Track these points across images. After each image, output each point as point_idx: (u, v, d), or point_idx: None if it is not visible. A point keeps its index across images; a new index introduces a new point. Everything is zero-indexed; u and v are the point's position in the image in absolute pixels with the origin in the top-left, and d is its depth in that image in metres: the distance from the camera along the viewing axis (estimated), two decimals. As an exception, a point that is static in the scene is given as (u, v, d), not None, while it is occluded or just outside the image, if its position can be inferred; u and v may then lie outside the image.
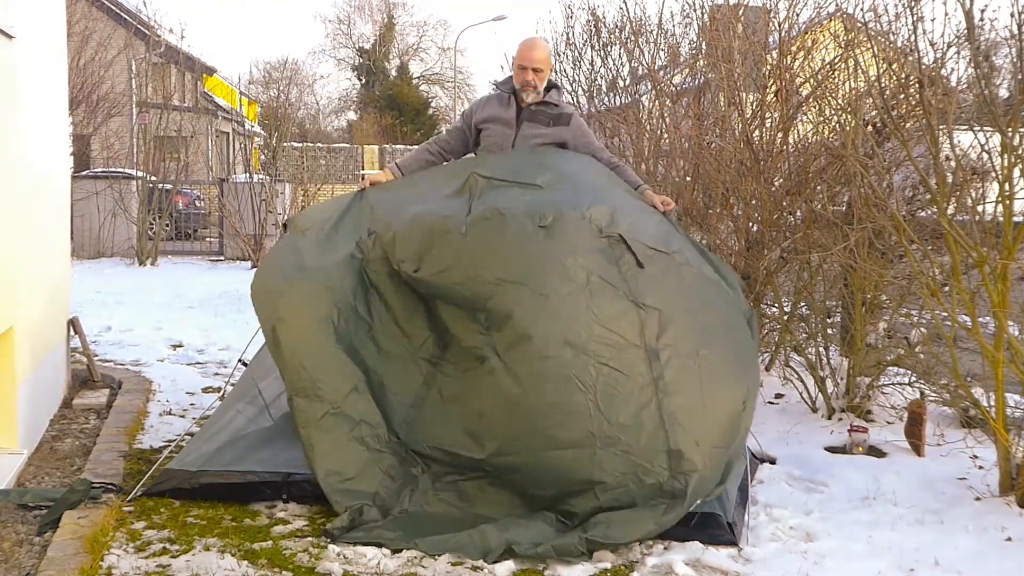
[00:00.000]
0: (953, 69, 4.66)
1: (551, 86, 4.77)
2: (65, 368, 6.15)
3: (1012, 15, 3.95)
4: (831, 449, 5.01)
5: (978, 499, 4.24)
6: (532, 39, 4.79)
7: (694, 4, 7.37)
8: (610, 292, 3.95)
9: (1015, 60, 4.03)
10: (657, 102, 7.29)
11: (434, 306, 4.11)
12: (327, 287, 4.11)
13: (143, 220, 15.27)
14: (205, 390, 6.33)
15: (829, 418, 5.49)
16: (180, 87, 24.70)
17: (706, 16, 7.21)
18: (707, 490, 3.77)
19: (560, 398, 3.78)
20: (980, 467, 4.63)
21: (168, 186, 16.30)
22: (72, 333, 6.31)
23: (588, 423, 3.74)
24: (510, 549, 3.60)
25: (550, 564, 3.56)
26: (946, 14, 4.31)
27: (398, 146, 37.78)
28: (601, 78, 8.33)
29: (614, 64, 8.20)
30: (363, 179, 4.69)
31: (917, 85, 4.62)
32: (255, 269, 14.26)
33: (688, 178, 6.64)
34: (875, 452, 4.96)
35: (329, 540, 3.71)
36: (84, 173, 17.43)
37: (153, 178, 15.99)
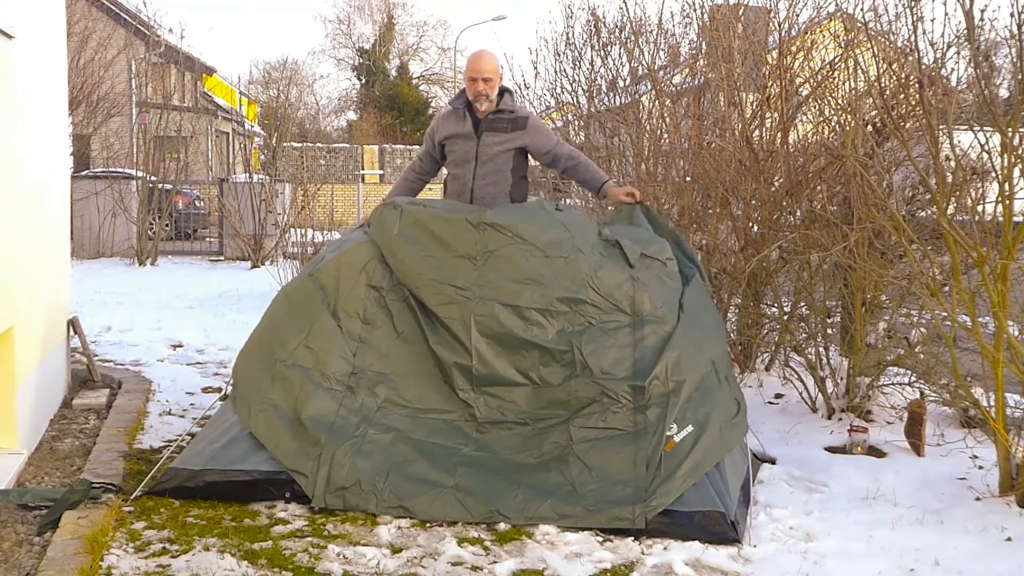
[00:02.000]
0: (953, 69, 4.67)
1: (503, 91, 5.01)
2: (65, 368, 6.15)
3: (1012, 15, 3.95)
4: (831, 449, 5.01)
5: (978, 499, 4.24)
6: (479, 51, 5.03)
7: (694, 4, 7.37)
8: (612, 266, 4.48)
9: (1015, 60, 4.02)
10: (657, 102, 7.28)
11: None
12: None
13: (143, 220, 15.27)
14: (205, 390, 6.33)
15: (829, 418, 5.49)
16: (180, 87, 24.71)
17: (706, 16, 7.21)
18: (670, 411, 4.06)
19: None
20: (980, 467, 4.63)
21: (168, 186, 16.31)
22: (72, 333, 6.31)
23: (568, 366, 4.24)
24: (495, 515, 3.90)
25: (550, 564, 3.57)
26: (946, 14, 4.31)
27: (398, 146, 37.79)
28: (601, 78, 8.32)
29: (614, 64, 8.20)
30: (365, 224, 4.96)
31: (917, 85, 4.62)
32: (255, 269, 14.30)
33: (688, 178, 6.64)
34: (875, 452, 4.96)
35: (289, 497, 4.03)
36: (84, 173, 17.44)
37: (153, 178, 15.99)
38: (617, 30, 7.97)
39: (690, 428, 4.02)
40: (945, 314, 4.51)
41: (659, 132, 7.24)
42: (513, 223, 4.55)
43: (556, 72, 8.75)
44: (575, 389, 4.19)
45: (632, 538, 3.80)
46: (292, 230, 14.06)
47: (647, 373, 4.17)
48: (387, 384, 4.28)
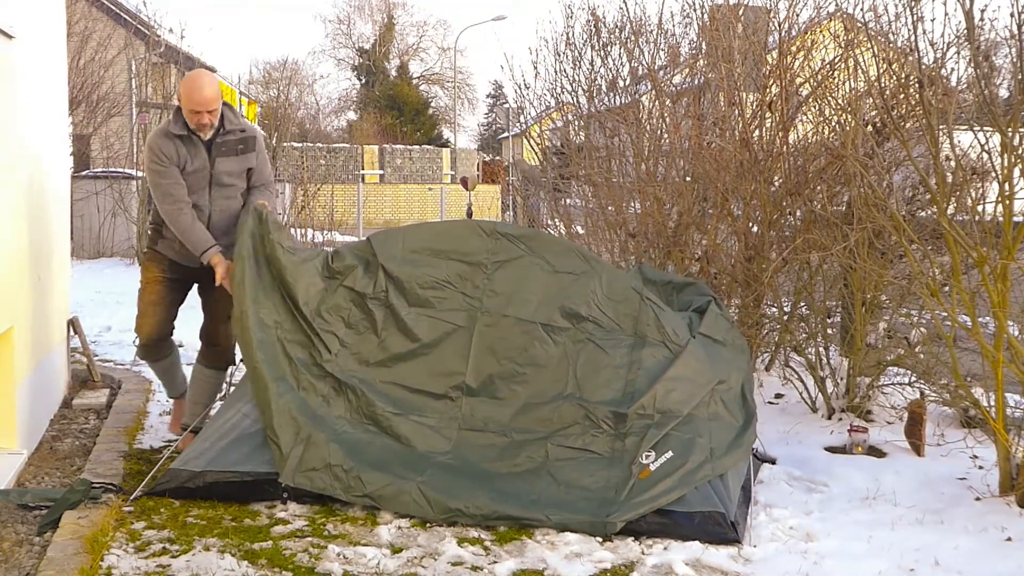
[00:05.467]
0: (953, 69, 4.67)
1: (224, 106, 4.69)
2: (65, 368, 6.15)
3: (1012, 15, 3.95)
4: (831, 449, 5.01)
5: (978, 499, 4.24)
6: (195, 80, 4.59)
7: (694, 4, 7.36)
8: (622, 286, 4.51)
9: (1015, 60, 4.02)
10: (657, 102, 7.28)
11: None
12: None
13: (143, 220, 15.23)
14: (205, 390, 6.31)
15: (829, 418, 5.49)
16: (180, 87, 24.68)
17: (706, 16, 7.20)
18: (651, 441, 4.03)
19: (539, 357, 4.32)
20: (980, 467, 4.63)
21: (168, 186, 16.27)
22: (72, 333, 6.31)
23: (561, 383, 4.24)
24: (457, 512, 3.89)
25: (550, 564, 3.57)
26: (946, 14, 4.31)
27: (398, 146, 37.78)
28: (601, 78, 8.31)
29: (614, 64, 8.18)
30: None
31: (917, 85, 4.62)
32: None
33: (688, 178, 6.64)
34: (875, 452, 4.95)
35: (288, 497, 4.04)
36: (84, 173, 17.41)
37: (153, 178, 15.96)
38: (617, 30, 7.96)
39: (669, 455, 3.97)
40: (945, 314, 4.51)
41: (659, 132, 7.23)
42: (527, 236, 4.61)
43: (556, 72, 8.73)
44: (559, 408, 4.18)
45: (632, 538, 3.80)
46: (292, 230, 14.02)
47: (636, 398, 4.15)
48: (369, 389, 4.27)
